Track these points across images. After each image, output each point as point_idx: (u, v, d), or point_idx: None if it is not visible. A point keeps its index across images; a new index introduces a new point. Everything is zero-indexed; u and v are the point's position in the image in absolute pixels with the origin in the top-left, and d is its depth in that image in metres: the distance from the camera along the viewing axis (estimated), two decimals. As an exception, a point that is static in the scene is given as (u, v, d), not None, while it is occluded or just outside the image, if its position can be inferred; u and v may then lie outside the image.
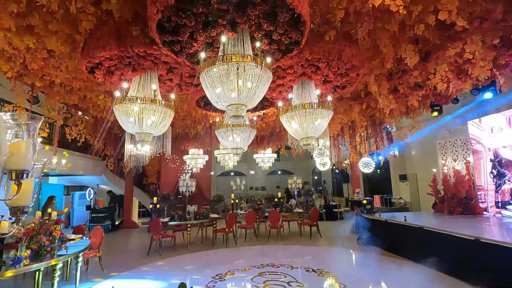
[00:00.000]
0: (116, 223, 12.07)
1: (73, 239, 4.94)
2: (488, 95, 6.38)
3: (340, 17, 3.69)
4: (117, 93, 4.08)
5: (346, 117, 8.11)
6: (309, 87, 4.85)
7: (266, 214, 9.56)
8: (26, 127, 1.24)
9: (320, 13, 3.87)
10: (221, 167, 14.09)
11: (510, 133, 7.00)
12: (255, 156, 11.72)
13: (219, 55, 3.10)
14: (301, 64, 4.42)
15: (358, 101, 6.92)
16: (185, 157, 11.12)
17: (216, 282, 5.06)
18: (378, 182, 14.12)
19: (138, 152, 6.87)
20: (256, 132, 6.00)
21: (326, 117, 4.49)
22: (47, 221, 4.02)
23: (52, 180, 12.36)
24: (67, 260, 5.08)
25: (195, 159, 10.88)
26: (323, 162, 9.80)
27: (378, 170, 11.55)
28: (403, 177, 11.88)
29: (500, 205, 7.20)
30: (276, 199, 11.56)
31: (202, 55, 3.27)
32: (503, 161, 7.13)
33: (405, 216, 6.79)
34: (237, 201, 11.59)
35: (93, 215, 11.24)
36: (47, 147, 7.88)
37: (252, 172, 21.84)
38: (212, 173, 15.60)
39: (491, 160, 7.47)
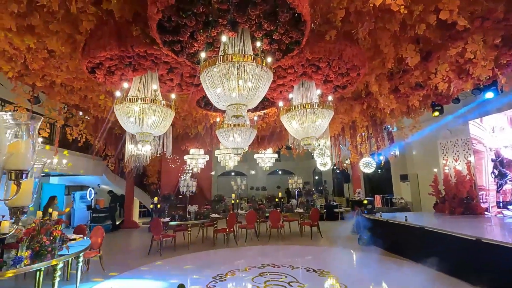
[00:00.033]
0: (117, 223, 12.08)
1: (74, 239, 4.94)
2: (489, 95, 6.36)
3: (340, 17, 3.68)
4: (118, 93, 4.08)
5: (347, 117, 8.09)
6: (310, 87, 4.85)
7: (267, 214, 9.55)
8: (25, 127, 1.23)
9: (320, 13, 3.86)
10: (221, 167, 14.09)
11: (511, 133, 6.98)
12: (255, 156, 11.71)
13: (219, 55, 3.09)
14: (301, 64, 4.42)
15: (359, 101, 6.91)
16: (185, 157, 11.12)
17: (217, 282, 5.05)
18: (379, 182, 14.11)
19: (138, 152, 6.88)
20: (257, 132, 5.99)
21: (327, 117, 4.49)
22: (47, 221, 4.03)
23: (53, 180, 12.37)
24: (68, 260, 5.08)
25: (195, 159, 10.89)
26: (323, 162, 9.78)
27: (379, 170, 11.53)
28: (404, 177, 11.87)
29: (501, 205, 7.18)
30: (276, 199, 11.56)
31: (203, 55, 3.26)
32: (505, 161, 7.11)
33: (406, 216, 6.77)
34: (237, 201, 11.59)
35: (94, 215, 11.25)
36: (47, 147, 7.89)
37: (253, 172, 21.85)
38: (212, 173, 15.61)
39: (492, 160, 7.44)
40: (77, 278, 4.57)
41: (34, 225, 3.75)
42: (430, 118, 8.59)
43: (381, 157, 9.13)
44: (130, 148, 6.75)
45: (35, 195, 1.44)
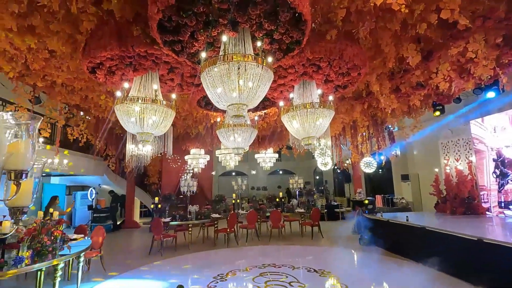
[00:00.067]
0: (118, 223, 12.10)
1: (75, 239, 4.95)
2: (490, 94, 6.35)
3: (341, 16, 3.67)
4: (118, 93, 4.08)
5: (348, 116, 8.08)
6: (311, 86, 4.84)
7: (268, 214, 9.55)
8: (25, 127, 1.23)
9: (321, 12, 3.85)
10: (222, 167, 14.07)
11: (513, 132, 6.96)
12: (256, 156, 11.71)
13: (220, 54, 3.08)
14: (302, 64, 4.41)
15: (359, 100, 6.89)
16: (186, 157, 11.13)
17: (218, 282, 5.05)
18: (380, 182, 14.09)
19: (139, 152, 6.89)
20: (257, 132, 5.98)
21: (328, 117, 4.48)
22: (48, 221, 4.03)
23: (54, 180, 12.39)
24: (69, 260, 5.08)
25: (196, 159, 10.90)
26: (324, 162, 9.77)
27: (380, 170, 11.50)
28: (405, 177, 11.84)
29: (503, 205, 7.16)
30: (277, 199, 11.54)
31: (203, 54, 3.25)
32: (506, 161, 7.08)
33: (407, 216, 6.75)
34: (238, 201, 11.58)
35: (94, 215, 11.27)
36: (48, 147, 7.90)
37: (254, 172, 21.84)
38: (213, 173, 15.61)
39: (494, 160, 7.42)
40: (78, 278, 4.58)
41: (35, 225, 3.75)
42: (431, 118, 8.57)
43: (382, 157, 9.12)
44: (131, 148, 6.76)
45: (35, 195, 1.44)
